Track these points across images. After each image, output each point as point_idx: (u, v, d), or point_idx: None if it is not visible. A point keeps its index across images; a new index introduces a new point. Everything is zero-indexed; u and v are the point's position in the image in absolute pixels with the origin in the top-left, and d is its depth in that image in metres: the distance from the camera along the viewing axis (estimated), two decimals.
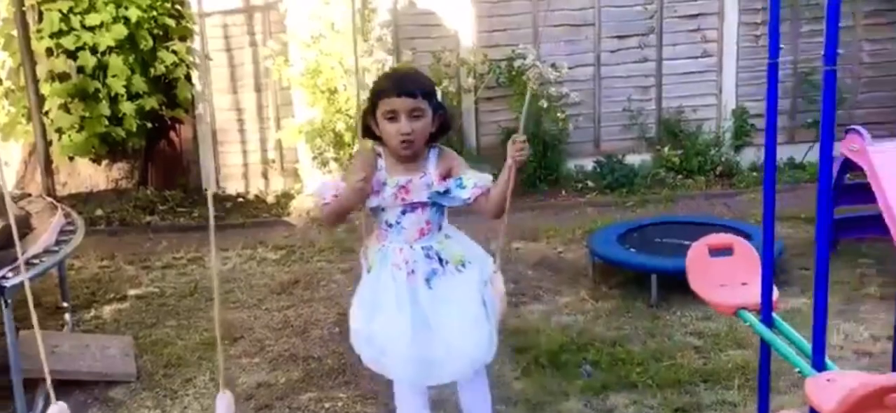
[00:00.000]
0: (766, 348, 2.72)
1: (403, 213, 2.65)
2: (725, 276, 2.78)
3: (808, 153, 7.51)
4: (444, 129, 2.73)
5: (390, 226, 2.67)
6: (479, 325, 2.62)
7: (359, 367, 3.95)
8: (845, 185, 5.28)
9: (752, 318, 2.61)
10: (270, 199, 7.80)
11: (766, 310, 2.58)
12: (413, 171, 2.66)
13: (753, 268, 2.71)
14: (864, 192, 5.01)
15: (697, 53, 7.80)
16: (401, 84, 2.63)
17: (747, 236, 4.96)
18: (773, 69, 2.64)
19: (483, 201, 2.63)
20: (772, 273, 2.59)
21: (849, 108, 7.57)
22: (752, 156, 7.62)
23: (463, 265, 2.68)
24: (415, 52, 7.45)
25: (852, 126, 5.24)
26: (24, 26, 6.21)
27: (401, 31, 7.58)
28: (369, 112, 2.66)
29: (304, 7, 7.24)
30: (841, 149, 5.13)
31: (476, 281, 2.67)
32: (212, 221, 1.80)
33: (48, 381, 1.86)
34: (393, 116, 2.58)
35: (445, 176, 2.67)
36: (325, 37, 7.14)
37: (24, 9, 4.95)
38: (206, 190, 7.77)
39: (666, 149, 7.70)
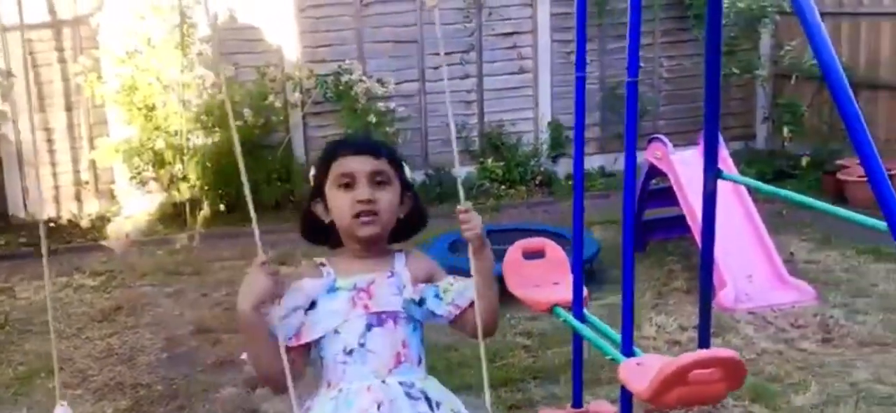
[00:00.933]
0: (578, 340, 2.95)
1: (368, 327, 1.87)
2: (539, 277, 2.98)
3: (616, 162, 8.05)
4: (415, 223, 2.05)
5: (349, 353, 1.86)
6: None
7: (191, 390, 3.88)
8: (651, 190, 5.73)
9: (566, 314, 2.82)
10: (85, 222, 7.38)
11: (577, 305, 2.80)
12: (376, 271, 1.93)
13: (564, 269, 2.93)
14: (668, 196, 5.48)
15: (514, 70, 8.18)
16: (357, 142, 2.15)
17: (566, 240, 5.29)
18: (580, 83, 2.88)
19: (469, 315, 1.91)
20: (582, 271, 2.81)
21: (653, 119, 8.20)
22: (567, 166, 8.07)
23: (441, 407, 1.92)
24: (237, 66, 7.32)
25: (655, 135, 5.71)
26: None
27: (223, 46, 7.42)
28: (313, 197, 2.00)
29: (117, 22, 6.94)
30: (646, 156, 5.59)
31: None
32: (44, 246, 1.68)
33: None
34: (348, 182, 1.91)
35: (423, 282, 1.97)
36: (140, 52, 6.88)
37: None
38: (30, 214, 7.21)
39: (489, 161, 8.00)
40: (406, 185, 2.00)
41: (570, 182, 7.84)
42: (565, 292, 2.83)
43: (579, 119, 2.84)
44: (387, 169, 1.93)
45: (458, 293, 1.94)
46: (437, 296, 1.94)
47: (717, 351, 2.44)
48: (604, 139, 8.32)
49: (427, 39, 7.89)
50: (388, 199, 1.92)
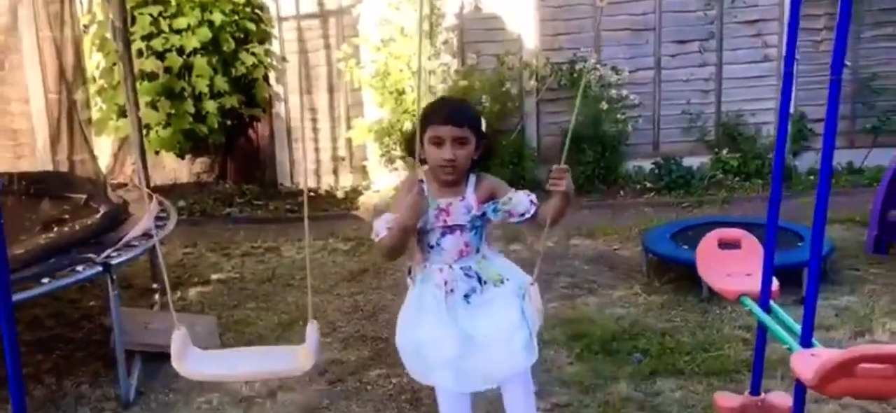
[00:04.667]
0: (762, 331, 2.96)
1: (443, 234, 2.75)
2: (732, 266, 3.02)
3: (866, 158, 7.56)
4: (487, 156, 2.83)
5: (431, 247, 2.76)
6: (519, 331, 2.65)
7: None
8: None
9: (752, 304, 2.84)
10: (340, 194, 8.20)
11: (764, 296, 2.82)
12: (453, 195, 2.76)
13: (758, 261, 2.93)
14: None
15: (758, 58, 7.92)
16: (448, 113, 2.73)
17: (799, 237, 5.14)
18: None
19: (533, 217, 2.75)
20: (772, 264, 2.82)
21: None
22: (809, 160, 7.71)
23: (501, 282, 2.77)
24: (479, 55, 7.75)
25: None
26: (125, 27, 6.72)
27: (466, 35, 7.88)
28: (419, 139, 2.71)
29: (375, 12, 7.60)
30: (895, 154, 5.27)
31: (513, 293, 2.73)
32: (306, 212, 2.13)
33: (172, 309, 2.21)
34: (438, 142, 2.67)
35: (486, 200, 2.78)
36: (394, 40, 7.49)
37: (124, 13, 5.41)
38: (295, 184, 8.15)
39: (724, 151, 7.83)
40: (482, 136, 2.76)
41: (811, 177, 7.49)
42: (756, 284, 2.86)
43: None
44: (467, 133, 2.69)
45: (514, 204, 2.74)
46: (494, 210, 2.77)
47: (890, 347, 2.39)
48: (853, 133, 7.84)
49: (664, 27, 7.86)
50: (464, 154, 2.70)
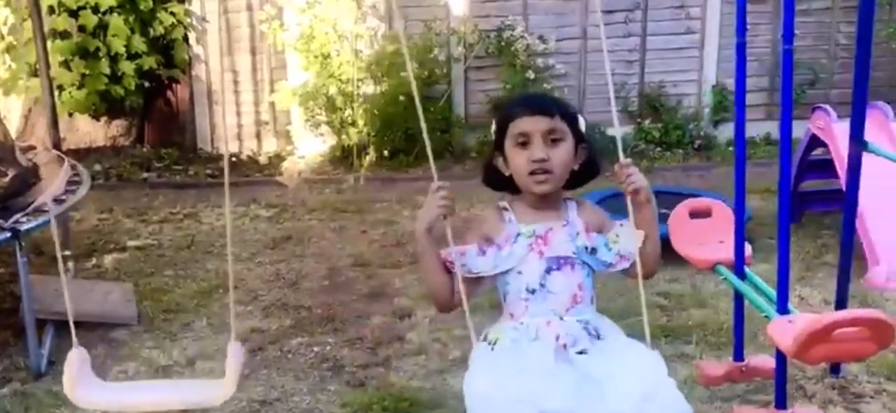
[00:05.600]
0: (739, 298, 3.01)
1: (548, 271, 2.02)
2: (704, 235, 3.05)
3: None
4: (590, 172, 2.15)
5: (532, 293, 2.01)
6: (665, 374, 1.96)
7: (345, 316, 4.26)
8: (811, 161, 5.57)
9: (727, 272, 2.89)
10: (263, 159, 8.05)
11: (739, 264, 2.87)
12: (552, 219, 2.07)
13: (729, 229, 2.96)
14: (830, 168, 5.31)
15: (681, 30, 8.05)
16: (533, 101, 2.20)
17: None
18: (740, 48, 2.90)
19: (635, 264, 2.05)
20: (744, 231, 2.87)
21: (825, 88, 7.86)
22: (729, 131, 7.89)
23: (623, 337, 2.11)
24: (407, 20, 7.67)
25: (819, 104, 5.52)
26: None
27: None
28: (496, 150, 2.12)
29: None
30: (809, 125, 5.43)
31: (636, 342, 2.06)
32: (227, 177, 1.96)
33: (72, 325, 2.04)
34: (524, 141, 2.03)
35: (596, 231, 2.10)
36: (319, 2, 7.36)
37: None
38: (215, 149, 7.97)
39: (647, 122, 7.97)
40: (580, 138, 2.09)
41: (730, 148, 7.67)
42: (728, 252, 2.90)
43: (740, 86, 2.82)
44: (560, 126, 2.03)
45: (625, 243, 2.06)
46: (606, 245, 2.08)
47: (863, 311, 2.48)
48: (773, 106, 8.06)
49: None
50: (561, 155, 2.03)
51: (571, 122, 2.07)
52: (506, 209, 2.10)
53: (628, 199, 2.02)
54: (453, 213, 2.00)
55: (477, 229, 2.09)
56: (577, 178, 2.13)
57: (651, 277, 2.12)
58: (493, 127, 2.13)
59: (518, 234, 2.04)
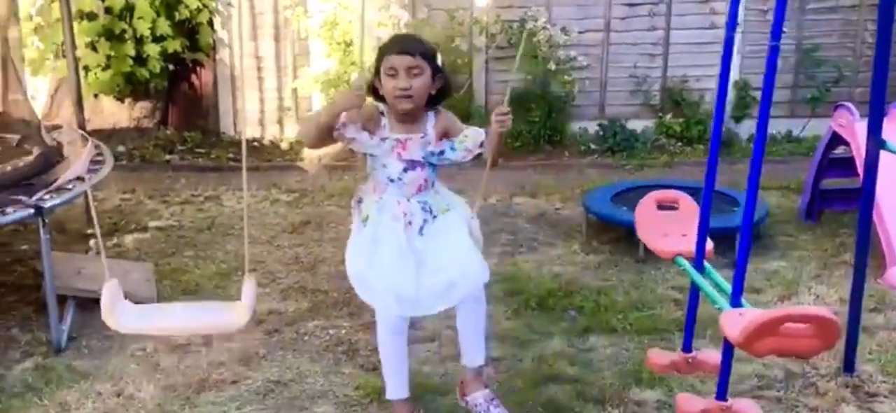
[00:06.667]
0: (694, 290, 3.04)
1: (405, 170, 2.86)
2: (669, 227, 3.08)
3: (805, 128, 7.75)
4: (444, 93, 2.92)
5: (392, 181, 2.87)
6: (472, 252, 2.87)
7: (361, 301, 4.30)
8: (833, 158, 5.54)
9: (686, 264, 2.92)
10: (284, 145, 8.11)
11: (698, 257, 2.89)
12: (413, 131, 2.87)
13: (695, 222, 2.99)
14: (852, 166, 5.28)
15: (705, 24, 8.00)
16: (401, 43, 2.86)
17: (735, 202, 5.25)
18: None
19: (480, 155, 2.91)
20: (707, 225, 2.88)
21: (850, 86, 7.78)
22: (751, 128, 7.85)
23: (447, 211, 2.95)
24: (430, 8, 7.68)
25: (841, 102, 5.49)
26: None
27: None
28: (375, 74, 2.85)
29: None
30: (831, 123, 5.40)
31: (461, 219, 2.94)
32: (244, 160, 2.09)
33: (103, 259, 2.19)
34: (393, 73, 2.76)
35: (442, 136, 2.89)
36: None
37: None
38: (238, 133, 8.05)
39: (668, 116, 7.94)
40: (437, 70, 2.83)
41: (750, 144, 7.63)
42: (691, 244, 2.93)
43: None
44: (420, 63, 2.77)
45: (471, 140, 2.87)
46: (452, 148, 2.89)
47: (812, 308, 2.49)
48: (794, 103, 8.01)
49: None
50: (419, 84, 2.77)
51: (430, 59, 2.80)
52: (383, 115, 2.86)
53: (492, 131, 2.78)
54: (362, 104, 2.76)
55: (363, 116, 2.81)
56: (436, 98, 2.89)
57: (495, 167, 2.93)
58: (375, 56, 2.87)
59: (385, 138, 2.84)
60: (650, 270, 4.72)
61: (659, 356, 3.21)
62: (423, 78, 2.78)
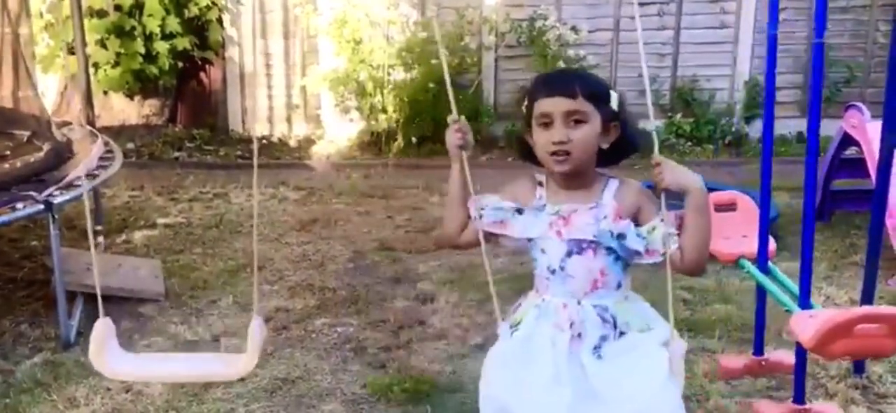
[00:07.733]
0: (762, 293, 2.99)
1: (568, 254, 2.01)
2: (728, 229, 3.03)
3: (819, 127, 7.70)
4: (625, 149, 2.07)
5: (552, 273, 2.03)
6: (668, 390, 1.93)
7: (369, 298, 4.30)
8: (844, 159, 5.50)
9: (751, 266, 2.87)
10: (293, 143, 8.11)
11: (762, 258, 2.85)
12: (580, 201, 2.03)
13: (754, 223, 2.94)
14: (863, 167, 5.24)
15: (715, 24, 7.97)
16: (555, 82, 2.08)
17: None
18: (772, 40, 2.87)
19: (675, 255, 1.95)
20: (768, 226, 2.85)
21: (861, 87, 7.74)
22: (761, 127, 7.80)
23: (647, 330, 2.03)
24: (440, 7, 7.67)
25: (853, 103, 5.45)
26: None
27: None
28: (525, 127, 2.09)
29: None
30: (842, 124, 5.36)
31: (659, 345, 1.99)
32: (256, 158, 2.00)
33: (99, 299, 2.11)
34: (546, 122, 2.00)
35: (631, 216, 2.00)
36: None
37: None
38: (247, 130, 8.08)
39: (678, 116, 7.91)
40: (610, 116, 2.01)
41: (762, 144, 7.60)
42: (752, 246, 2.88)
43: (770, 78, 2.79)
44: (584, 107, 1.97)
45: (660, 240, 1.95)
46: (637, 234, 1.97)
47: (885, 308, 2.45)
48: (805, 103, 7.96)
49: None
50: (582, 136, 1.97)
51: (598, 101, 2.00)
52: (541, 184, 2.09)
53: (661, 195, 1.94)
54: (470, 146, 2.05)
55: (509, 191, 2.10)
56: (611, 156, 2.05)
57: (697, 274, 2.08)
58: (524, 103, 2.10)
59: (542, 209, 2.04)
60: (662, 271, 4.68)
61: (732, 361, 3.17)
62: (589, 127, 1.98)
